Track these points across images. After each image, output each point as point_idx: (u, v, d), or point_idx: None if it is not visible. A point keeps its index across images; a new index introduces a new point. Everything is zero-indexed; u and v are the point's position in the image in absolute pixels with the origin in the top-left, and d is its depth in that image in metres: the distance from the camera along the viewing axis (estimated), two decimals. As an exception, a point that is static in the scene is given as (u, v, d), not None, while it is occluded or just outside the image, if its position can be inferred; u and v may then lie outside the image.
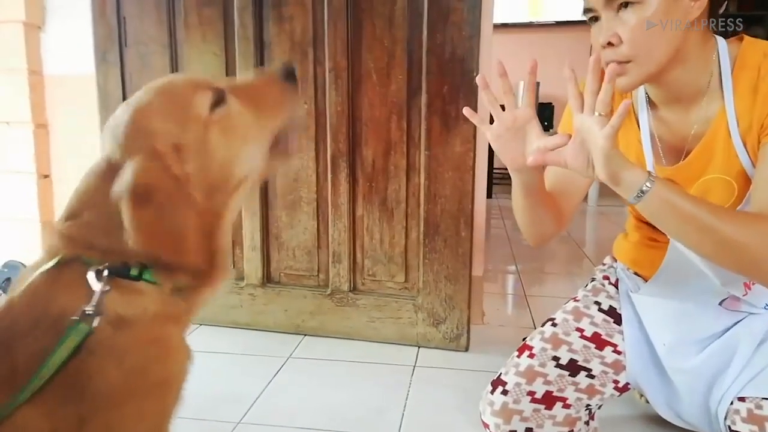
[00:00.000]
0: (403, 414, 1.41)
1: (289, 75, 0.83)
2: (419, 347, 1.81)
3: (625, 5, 0.91)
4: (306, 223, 1.85)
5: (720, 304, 1.06)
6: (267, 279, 1.92)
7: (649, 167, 1.07)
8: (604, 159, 0.83)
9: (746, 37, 0.98)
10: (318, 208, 1.84)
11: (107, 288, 0.66)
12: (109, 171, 0.70)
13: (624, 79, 0.96)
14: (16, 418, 0.61)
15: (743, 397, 0.97)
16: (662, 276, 1.11)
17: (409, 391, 1.54)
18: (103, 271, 0.67)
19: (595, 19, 0.95)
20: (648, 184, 0.84)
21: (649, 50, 0.92)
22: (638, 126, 1.09)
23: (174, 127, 0.72)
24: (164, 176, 0.68)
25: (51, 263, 0.68)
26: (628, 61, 0.93)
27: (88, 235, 0.70)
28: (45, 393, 0.62)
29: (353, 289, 1.86)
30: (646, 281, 1.15)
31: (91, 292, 0.65)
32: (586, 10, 0.97)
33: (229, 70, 1.80)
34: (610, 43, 0.93)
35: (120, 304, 0.67)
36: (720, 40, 0.99)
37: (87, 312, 0.64)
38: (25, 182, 2.02)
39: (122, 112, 0.74)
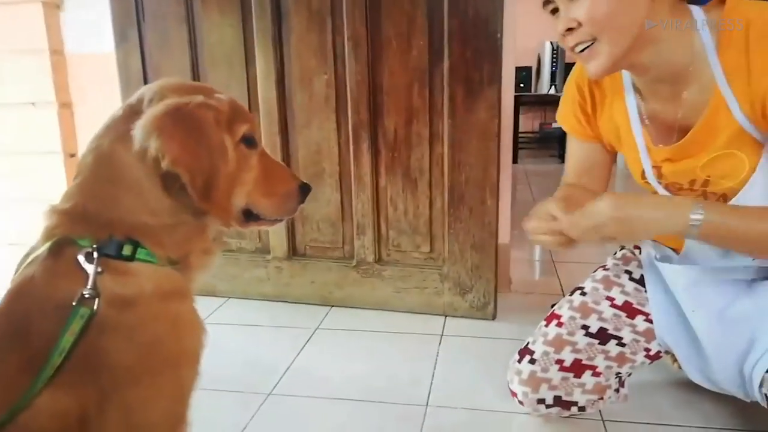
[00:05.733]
0: (431, 383, 1.42)
1: (304, 191, 0.85)
2: (446, 317, 1.81)
3: None
4: (329, 196, 1.85)
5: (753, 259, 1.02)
6: (293, 252, 1.93)
7: (641, 150, 1.07)
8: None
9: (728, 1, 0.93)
10: (341, 179, 1.83)
11: (99, 270, 0.66)
12: (129, 111, 0.73)
13: (594, 62, 0.94)
14: (43, 398, 0.62)
15: None
16: (690, 252, 1.08)
17: (437, 360, 1.54)
18: (92, 253, 0.67)
19: (556, 10, 0.94)
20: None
21: (611, 25, 0.90)
22: (627, 108, 1.08)
23: (227, 115, 0.75)
24: (214, 122, 0.72)
25: (42, 249, 0.68)
26: (593, 41, 0.92)
27: (92, 206, 0.70)
28: (66, 373, 0.63)
29: (378, 260, 1.86)
30: (678, 253, 1.12)
31: (87, 275, 0.66)
32: (545, 2, 0.96)
33: (247, 43, 1.78)
34: (570, 29, 0.92)
35: (116, 284, 0.67)
36: (696, 12, 0.94)
37: (85, 295, 0.65)
38: (52, 162, 2.05)
39: (187, 81, 0.80)
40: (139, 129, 0.68)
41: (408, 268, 1.83)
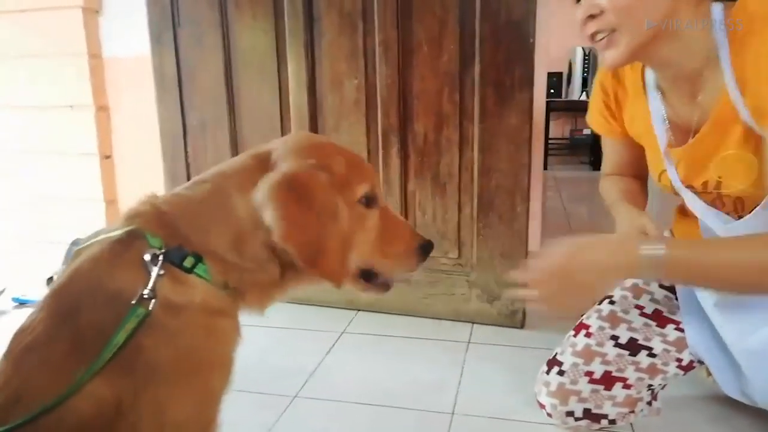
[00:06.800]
0: (457, 391, 1.41)
1: (425, 249, 0.88)
2: (473, 324, 1.79)
3: None
4: (358, 199, 1.84)
5: None
6: (321, 255, 1.93)
7: (662, 148, 1.06)
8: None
9: None
10: (370, 183, 1.82)
11: (162, 272, 0.68)
12: (257, 163, 0.76)
13: (612, 51, 0.93)
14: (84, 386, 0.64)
15: None
16: None
17: (463, 368, 1.53)
18: (158, 255, 0.69)
19: None
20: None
21: (633, 14, 0.90)
22: (649, 109, 1.07)
23: (344, 176, 0.77)
24: (327, 186, 0.74)
25: (117, 233, 0.70)
26: (613, 30, 0.91)
27: (183, 222, 0.73)
28: (108, 364, 0.64)
29: (406, 264, 1.85)
30: None
31: (147, 274, 0.68)
32: None
33: (279, 46, 1.80)
34: (591, 16, 0.92)
35: (170, 290, 0.69)
36: (716, 11, 0.92)
37: (144, 296, 0.66)
38: (88, 163, 2.09)
39: (314, 136, 0.84)
40: (258, 195, 0.71)
41: (436, 274, 1.82)
